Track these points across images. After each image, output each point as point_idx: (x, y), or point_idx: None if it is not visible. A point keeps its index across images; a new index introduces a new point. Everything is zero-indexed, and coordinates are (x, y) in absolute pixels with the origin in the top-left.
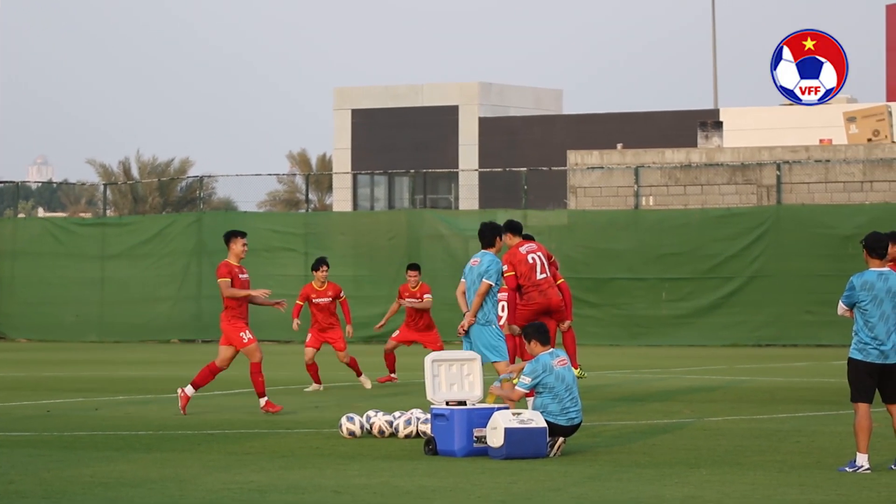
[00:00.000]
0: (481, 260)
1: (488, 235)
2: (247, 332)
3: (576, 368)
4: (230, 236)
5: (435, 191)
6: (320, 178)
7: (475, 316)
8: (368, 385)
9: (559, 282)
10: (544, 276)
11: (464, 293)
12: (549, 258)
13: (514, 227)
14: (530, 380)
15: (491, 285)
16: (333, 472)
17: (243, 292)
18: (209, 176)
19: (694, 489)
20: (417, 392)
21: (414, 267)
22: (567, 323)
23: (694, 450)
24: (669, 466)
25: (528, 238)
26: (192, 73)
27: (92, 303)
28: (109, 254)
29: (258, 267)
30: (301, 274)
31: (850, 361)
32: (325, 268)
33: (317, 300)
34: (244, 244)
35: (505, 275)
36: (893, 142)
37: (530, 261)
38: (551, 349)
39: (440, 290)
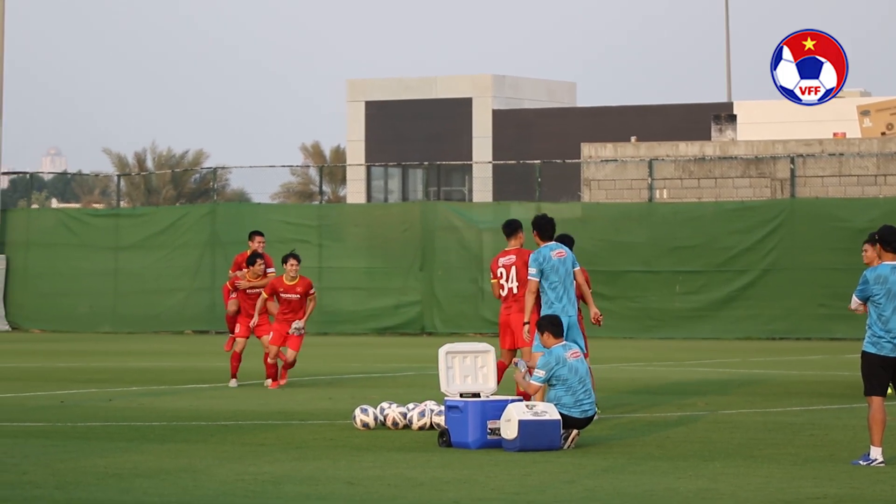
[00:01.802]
0: (567, 252)
1: (551, 230)
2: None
3: None
4: (520, 226)
5: (449, 183)
6: (334, 169)
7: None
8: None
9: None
10: None
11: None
12: None
13: (540, 227)
14: (544, 373)
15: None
16: (347, 463)
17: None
18: (223, 167)
19: (708, 482)
20: (431, 384)
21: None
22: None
23: (708, 443)
24: (683, 459)
25: (557, 237)
26: (206, 65)
27: (105, 294)
28: (123, 245)
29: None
30: (315, 266)
31: (864, 355)
32: (293, 261)
33: (284, 295)
34: None
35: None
36: None
37: (498, 273)
38: (564, 342)
39: (454, 281)
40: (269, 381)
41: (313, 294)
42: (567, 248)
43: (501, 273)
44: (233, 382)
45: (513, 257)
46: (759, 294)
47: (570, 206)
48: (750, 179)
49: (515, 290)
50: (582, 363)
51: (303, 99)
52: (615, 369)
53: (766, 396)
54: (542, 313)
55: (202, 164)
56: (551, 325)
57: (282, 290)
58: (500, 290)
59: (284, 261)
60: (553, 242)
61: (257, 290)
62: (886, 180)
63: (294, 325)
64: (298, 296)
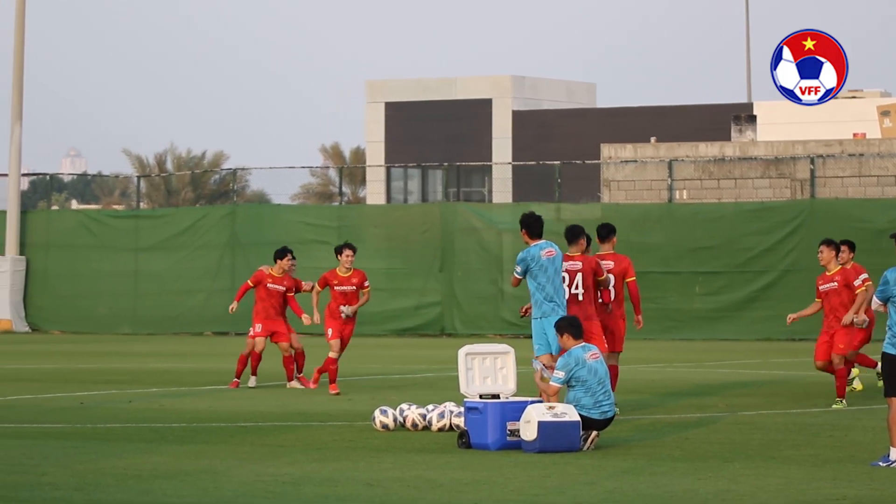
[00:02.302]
0: (556, 251)
1: (539, 228)
2: None
3: None
4: (582, 232)
5: (468, 184)
6: (353, 170)
7: None
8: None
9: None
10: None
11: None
12: (592, 271)
13: (529, 226)
14: (564, 374)
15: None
16: (367, 464)
17: None
18: (242, 168)
19: (727, 483)
20: (451, 385)
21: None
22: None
23: (727, 444)
24: (703, 460)
25: (600, 227)
26: (225, 68)
27: (125, 295)
28: (143, 246)
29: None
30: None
31: (885, 356)
32: (348, 251)
33: (339, 287)
34: None
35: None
36: None
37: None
38: (583, 343)
39: (474, 282)
40: (305, 381)
41: (367, 288)
42: (556, 247)
43: (564, 277)
44: (252, 381)
45: (578, 264)
46: (778, 295)
47: (589, 207)
48: (770, 180)
49: (581, 297)
50: (601, 364)
51: (322, 100)
52: (634, 370)
53: (786, 397)
54: (533, 314)
55: (222, 166)
56: (570, 327)
57: (335, 282)
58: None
59: (339, 251)
60: (543, 241)
61: (279, 289)
62: None
63: (343, 309)
64: (354, 288)
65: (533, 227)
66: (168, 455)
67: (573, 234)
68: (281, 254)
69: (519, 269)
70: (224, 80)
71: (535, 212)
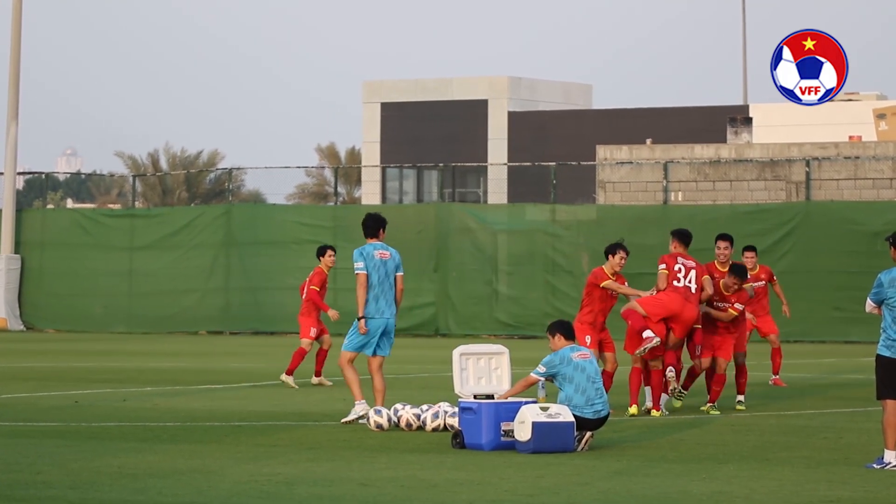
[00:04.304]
0: (391, 254)
1: (374, 228)
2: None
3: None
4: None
5: (464, 185)
6: (349, 171)
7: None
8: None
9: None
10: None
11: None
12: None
13: (364, 226)
14: (545, 368)
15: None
16: (360, 464)
17: None
18: (238, 168)
19: (721, 485)
20: (445, 385)
21: (726, 237)
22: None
23: (721, 445)
24: (697, 462)
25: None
26: (221, 66)
27: (120, 294)
28: (138, 245)
29: (285, 259)
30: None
31: (878, 358)
32: (331, 252)
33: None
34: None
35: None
36: None
37: (675, 268)
38: (573, 344)
39: (468, 283)
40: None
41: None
42: (393, 251)
43: (680, 269)
44: (291, 380)
45: (693, 263)
46: (773, 296)
47: (585, 209)
48: (765, 182)
49: (693, 290)
50: (590, 364)
51: (318, 100)
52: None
53: (780, 399)
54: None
55: (217, 165)
56: (561, 328)
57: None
58: (675, 282)
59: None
60: (378, 242)
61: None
62: None
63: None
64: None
65: (367, 227)
66: (162, 454)
67: (689, 238)
68: (322, 251)
69: (360, 263)
70: (221, 79)
71: (379, 214)
